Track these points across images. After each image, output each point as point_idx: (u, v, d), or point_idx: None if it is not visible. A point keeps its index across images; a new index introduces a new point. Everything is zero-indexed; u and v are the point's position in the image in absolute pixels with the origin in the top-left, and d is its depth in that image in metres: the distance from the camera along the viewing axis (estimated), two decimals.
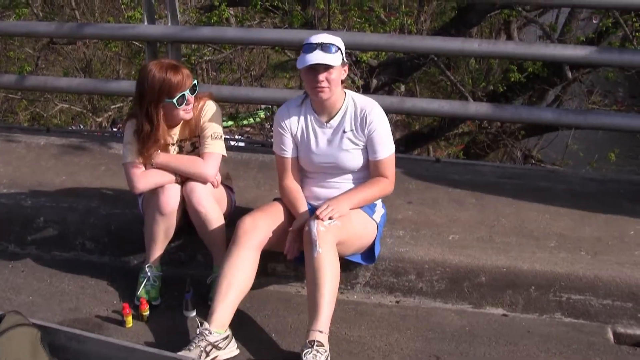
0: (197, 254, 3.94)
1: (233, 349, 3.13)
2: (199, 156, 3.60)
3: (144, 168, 3.57)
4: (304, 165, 3.57)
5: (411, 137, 10.56)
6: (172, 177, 3.56)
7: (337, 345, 3.23)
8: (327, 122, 3.44)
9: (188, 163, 3.57)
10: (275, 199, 3.68)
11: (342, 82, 3.40)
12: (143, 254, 3.70)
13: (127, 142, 3.58)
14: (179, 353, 2.93)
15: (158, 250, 3.65)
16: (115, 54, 13.02)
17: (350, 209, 3.37)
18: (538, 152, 10.75)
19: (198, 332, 3.04)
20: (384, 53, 9.05)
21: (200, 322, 3.09)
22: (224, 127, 3.67)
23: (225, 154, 3.63)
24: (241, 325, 3.29)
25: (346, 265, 3.34)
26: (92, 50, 14.95)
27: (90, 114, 13.85)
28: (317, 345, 2.97)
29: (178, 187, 3.55)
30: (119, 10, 13.04)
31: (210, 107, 3.64)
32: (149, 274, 3.64)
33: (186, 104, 3.50)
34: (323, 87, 3.27)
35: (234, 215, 3.86)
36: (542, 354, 3.24)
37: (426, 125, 10.75)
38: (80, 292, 3.79)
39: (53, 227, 4.18)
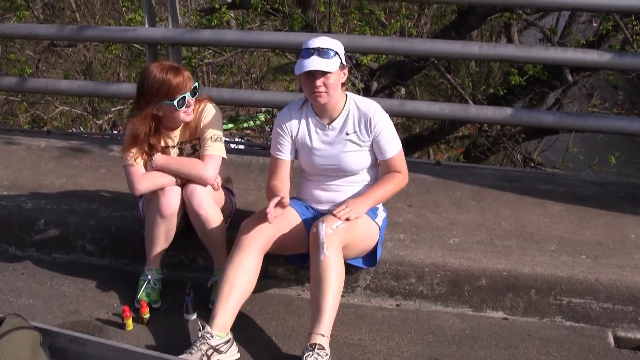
0: (198, 256, 3.94)
1: (234, 352, 3.12)
2: (199, 158, 3.60)
3: (144, 170, 3.57)
4: (305, 167, 3.57)
5: (411, 140, 10.57)
6: (173, 179, 3.56)
7: (338, 349, 3.22)
8: (329, 124, 3.44)
9: (188, 165, 3.57)
10: None
11: (343, 84, 3.40)
12: (143, 256, 3.70)
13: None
14: (180, 356, 2.93)
15: (158, 252, 3.64)
16: (116, 57, 13.04)
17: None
18: (538, 155, 10.76)
19: (200, 335, 3.03)
20: (384, 56, 9.06)
21: (202, 325, 3.08)
22: (224, 130, 3.67)
23: (225, 156, 3.63)
24: (242, 328, 3.28)
25: (347, 268, 3.34)
26: (93, 52, 14.98)
27: (91, 117, 13.87)
28: (318, 349, 2.97)
29: (178, 189, 3.54)
30: (120, 13, 13.06)
31: (210, 110, 3.64)
32: (149, 276, 3.63)
33: (186, 107, 3.50)
34: (320, 92, 3.27)
35: (235, 218, 3.86)
36: (542, 358, 3.24)
37: (426, 128, 10.77)
38: (80, 294, 3.78)
39: (53, 229, 4.18)
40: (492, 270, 3.60)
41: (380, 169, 3.59)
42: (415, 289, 3.68)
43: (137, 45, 9.83)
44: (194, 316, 3.51)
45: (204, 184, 3.54)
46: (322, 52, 3.23)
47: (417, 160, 6.30)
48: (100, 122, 14.10)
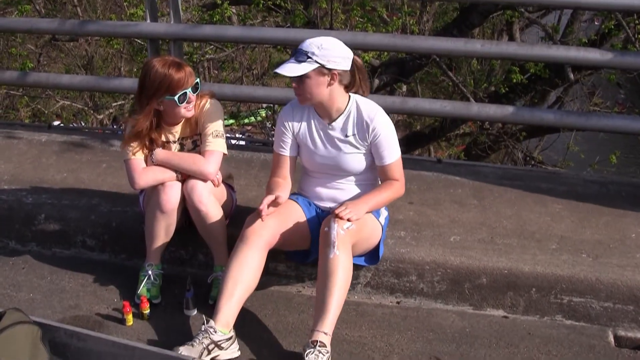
0: (198, 252, 3.93)
1: (235, 350, 3.12)
2: (200, 154, 3.59)
3: (145, 165, 3.57)
4: (306, 165, 3.57)
5: (412, 137, 10.56)
6: (173, 175, 3.55)
7: (338, 346, 3.22)
8: (329, 124, 3.43)
9: (189, 160, 3.56)
10: None
11: (347, 86, 3.38)
12: (144, 252, 3.69)
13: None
14: (181, 348, 2.93)
15: (159, 248, 3.64)
16: (117, 52, 13.01)
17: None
18: (539, 154, 10.76)
19: (203, 329, 3.03)
20: (386, 53, 9.05)
21: (205, 320, 3.07)
22: (226, 126, 3.66)
23: (226, 152, 3.62)
24: (242, 324, 3.27)
25: None
26: (94, 47, 14.96)
27: (92, 111, 13.86)
28: (319, 346, 2.97)
29: (179, 184, 3.54)
30: (121, 8, 13.04)
31: (211, 106, 3.63)
32: (149, 272, 3.63)
33: (187, 102, 3.49)
34: (298, 94, 3.31)
35: (235, 214, 3.86)
36: (542, 356, 3.24)
37: (427, 125, 10.75)
38: (80, 289, 3.78)
39: (54, 224, 4.17)
40: (493, 268, 3.60)
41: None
42: (415, 286, 3.68)
43: (138, 40, 9.82)
44: (194, 312, 3.50)
45: (205, 179, 3.53)
46: (297, 54, 3.23)
47: (418, 158, 6.30)
48: (101, 116, 14.09)
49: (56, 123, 13.43)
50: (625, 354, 3.29)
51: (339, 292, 3.08)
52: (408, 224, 3.98)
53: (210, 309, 3.23)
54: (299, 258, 3.66)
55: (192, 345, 2.97)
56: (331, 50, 3.24)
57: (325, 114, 3.42)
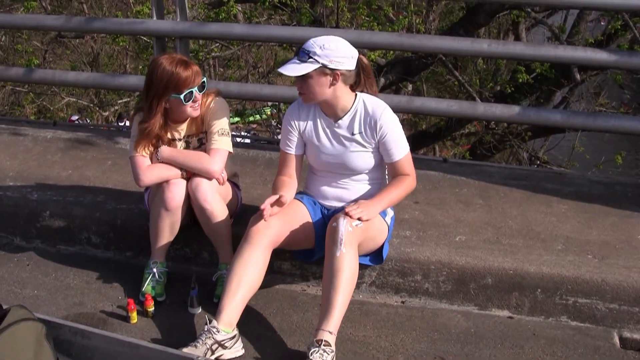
0: (203, 250, 3.93)
1: (238, 348, 3.11)
2: (205, 152, 3.58)
3: (150, 162, 3.56)
4: (312, 163, 3.56)
5: (417, 137, 10.56)
6: (178, 172, 3.55)
7: (342, 345, 3.21)
8: (335, 122, 3.42)
9: (194, 158, 3.55)
10: None
11: (352, 86, 3.37)
12: (148, 249, 3.69)
13: (134, 136, 3.58)
14: (185, 349, 2.92)
15: (163, 246, 3.63)
16: (123, 49, 13.04)
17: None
18: (544, 154, 10.74)
19: (206, 329, 3.02)
20: (391, 52, 9.03)
21: (208, 320, 3.07)
22: (231, 124, 3.66)
23: (231, 150, 3.61)
24: (246, 322, 3.26)
25: None
26: (100, 44, 14.99)
27: (97, 108, 13.88)
28: (324, 345, 2.96)
29: (184, 182, 3.53)
30: (127, 5, 13.06)
31: (217, 104, 3.62)
32: (154, 269, 3.62)
33: (193, 101, 3.49)
34: (301, 93, 3.30)
35: (240, 212, 3.85)
36: (547, 357, 3.22)
37: (433, 124, 10.75)
38: (85, 286, 3.78)
39: (59, 221, 4.17)
40: (498, 268, 3.59)
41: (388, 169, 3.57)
42: (420, 286, 3.67)
43: (144, 38, 9.82)
44: (199, 310, 3.50)
45: (210, 177, 3.52)
46: (300, 54, 3.22)
47: (424, 157, 6.29)
48: (107, 113, 14.12)
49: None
50: (631, 356, 3.28)
51: (344, 290, 3.07)
52: (413, 224, 3.97)
53: (214, 307, 3.22)
54: (303, 257, 3.65)
55: (196, 346, 2.96)
56: (334, 50, 3.21)
57: (330, 112, 3.41)
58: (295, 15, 8.79)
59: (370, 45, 5.82)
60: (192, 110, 3.51)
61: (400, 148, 3.41)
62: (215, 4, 9.72)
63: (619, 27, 8.16)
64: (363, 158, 3.43)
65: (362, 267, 3.56)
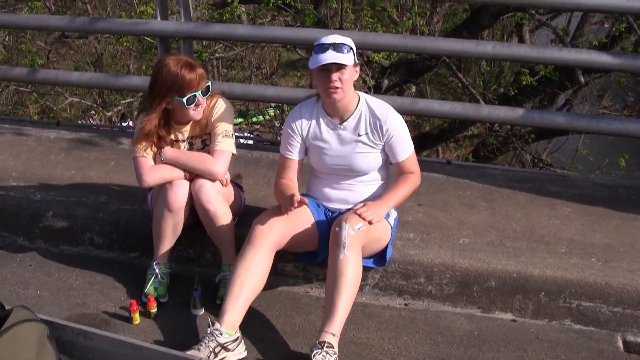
0: (206, 251, 3.92)
1: (241, 350, 3.10)
2: (209, 153, 3.58)
3: (153, 163, 3.55)
4: (316, 166, 3.56)
5: (421, 138, 10.54)
6: (181, 173, 3.54)
7: (345, 347, 3.20)
8: (340, 124, 3.41)
9: (198, 160, 3.55)
10: None
11: (353, 84, 3.38)
12: (151, 250, 3.69)
13: (134, 135, 3.58)
14: (188, 352, 2.91)
15: (166, 247, 3.63)
16: (127, 49, 13.03)
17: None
18: (547, 156, 10.72)
19: (208, 332, 3.02)
20: (395, 53, 9.02)
21: (211, 322, 3.06)
22: (234, 124, 3.65)
23: (235, 152, 3.61)
24: (249, 324, 3.26)
25: None
26: (103, 44, 15.00)
27: (100, 109, 13.88)
28: (327, 347, 2.96)
29: (187, 183, 3.53)
30: (131, 5, 13.07)
31: (221, 105, 3.62)
32: (157, 270, 3.62)
33: (196, 105, 3.48)
34: (336, 88, 3.24)
35: (244, 214, 3.85)
36: None
37: (436, 126, 10.73)
38: (87, 287, 3.78)
39: (62, 221, 4.17)
40: (502, 271, 3.58)
41: (392, 168, 3.57)
42: (424, 288, 3.66)
43: (147, 38, 9.82)
44: (202, 311, 3.49)
45: (213, 179, 3.52)
46: (337, 47, 3.21)
47: (428, 159, 6.28)
48: (110, 114, 14.12)
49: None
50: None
51: (348, 293, 3.07)
52: (417, 226, 3.96)
53: (217, 308, 3.22)
54: (307, 258, 3.64)
55: (199, 349, 2.96)
56: (353, 45, 3.32)
57: (336, 113, 3.41)
58: (299, 16, 8.78)
59: (374, 46, 5.82)
60: (195, 113, 3.51)
61: (406, 148, 3.44)
62: (219, 5, 9.71)
63: (623, 29, 8.14)
64: (369, 159, 3.43)
65: (365, 269, 3.55)
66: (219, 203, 3.51)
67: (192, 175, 3.55)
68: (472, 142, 11.90)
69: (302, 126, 3.49)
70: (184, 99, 3.41)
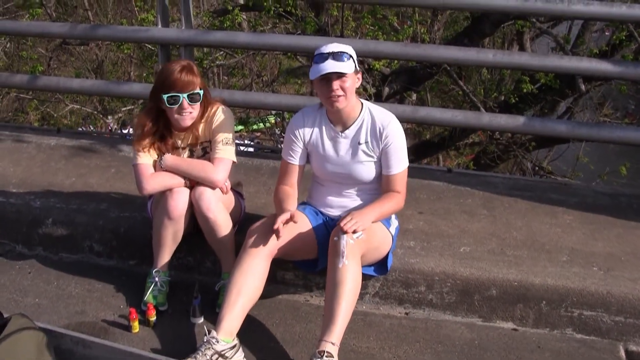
0: (206, 259, 3.91)
1: (240, 358, 3.09)
2: (209, 161, 3.56)
3: (153, 170, 3.54)
4: (317, 173, 3.55)
5: (421, 146, 10.53)
6: (182, 181, 3.53)
7: (345, 356, 3.19)
8: (342, 132, 3.41)
9: (198, 167, 3.54)
10: None
11: (355, 91, 3.37)
12: (151, 258, 3.67)
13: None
14: None
15: (166, 254, 3.62)
16: (127, 56, 13.04)
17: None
18: (548, 164, 10.71)
19: (205, 340, 3.00)
20: (396, 61, 9.02)
21: (208, 330, 3.05)
22: (235, 132, 3.63)
23: (235, 160, 3.60)
24: (248, 333, 3.25)
25: None
26: (104, 51, 15.00)
27: (101, 115, 13.88)
28: (327, 356, 2.94)
29: (187, 191, 3.52)
30: (132, 12, 13.08)
31: (222, 113, 3.61)
32: (156, 278, 3.61)
33: (181, 108, 3.46)
34: (338, 96, 3.24)
35: (244, 221, 3.83)
36: None
37: (437, 134, 10.72)
38: (87, 295, 3.76)
39: (61, 228, 4.16)
40: (503, 280, 3.56)
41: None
42: (424, 297, 3.64)
43: (149, 45, 9.83)
44: (201, 320, 3.48)
45: (213, 186, 3.51)
46: (336, 56, 3.20)
47: (429, 167, 6.28)
48: (110, 121, 14.11)
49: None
50: None
51: (347, 302, 3.06)
52: (417, 234, 3.95)
53: (217, 316, 3.20)
54: (307, 267, 3.63)
55: (195, 357, 2.95)
56: (354, 53, 3.31)
57: (339, 121, 3.40)
58: (300, 24, 8.78)
59: (375, 54, 5.81)
60: (180, 118, 3.48)
61: (399, 162, 3.41)
62: (220, 12, 9.71)
63: (624, 37, 8.13)
64: (368, 168, 3.42)
65: (365, 277, 3.55)
66: (219, 211, 3.50)
67: (193, 182, 3.54)
68: (473, 150, 11.88)
69: (304, 132, 3.48)
70: (165, 97, 3.40)
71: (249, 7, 9.18)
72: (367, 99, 3.57)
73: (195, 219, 3.57)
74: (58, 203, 4.30)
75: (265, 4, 8.24)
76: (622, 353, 3.36)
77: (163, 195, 3.52)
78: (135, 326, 3.41)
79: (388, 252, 3.49)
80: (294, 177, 3.55)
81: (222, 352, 2.99)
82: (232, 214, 3.65)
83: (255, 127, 13.58)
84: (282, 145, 3.63)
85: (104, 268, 4.05)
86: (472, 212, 4.27)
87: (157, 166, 3.55)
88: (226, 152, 3.55)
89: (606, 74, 4.86)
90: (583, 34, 9.80)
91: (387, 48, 5.19)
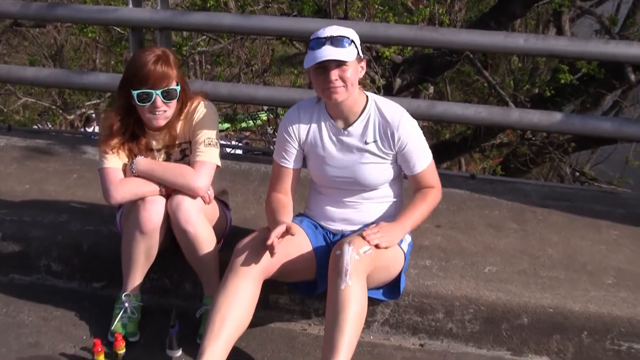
0: (185, 281, 3.93)
1: None
2: (189, 165, 3.57)
3: (123, 175, 3.55)
4: (316, 178, 3.56)
5: (440, 148, 10.56)
6: (156, 188, 3.53)
7: None
8: (345, 129, 3.41)
9: (176, 172, 3.54)
10: None
11: (360, 83, 3.38)
12: (119, 280, 3.68)
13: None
14: None
15: (138, 275, 3.62)
16: (92, 41, 13.07)
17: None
18: (591, 169, 10.74)
19: None
20: (409, 48, 9.04)
21: None
22: (220, 131, 3.64)
23: (219, 164, 3.60)
24: None
25: None
26: (65, 35, 15.02)
27: (60, 111, 13.89)
28: None
29: (163, 200, 3.52)
30: None
31: (204, 109, 3.61)
32: (126, 304, 3.61)
33: (153, 106, 3.46)
34: (337, 87, 3.23)
35: (230, 236, 3.84)
36: None
37: (458, 133, 10.76)
38: (42, 324, 3.77)
39: (13, 245, 4.17)
40: (536, 306, 3.58)
41: (406, 182, 3.56)
42: (442, 326, 3.66)
43: (118, 29, 9.85)
44: (179, 353, 3.48)
45: (194, 195, 3.51)
46: (335, 41, 3.20)
47: (448, 173, 6.30)
48: (72, 117, 14.12)
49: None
50: None
51: (351, 330, 3.06)
52: (435, 251, 3.97)
53: (198, 348, 3.21)
54: (304, 290, 3.64)
55: None
56: (357, 37, 3.30)
57: (341, 115, 3.41)
58: (295, 4, 8.82)
59: (384, 39, 5.83)
60: (152, 117, 3.48)
61: (423, 158, 3.42)
62: None
63: None
64: (377, 171, 3.42)
65: (373, 302, 3.56)
66: (200, 224, 3.50)
67: (169, 190, 3.55)
68: (501, 152, 11.92)
69: (300, 130, 3.49)
70: (135, 93, 3.41)
71: None
72: (375, 93, 3.57)
73: (172, 233, 3.58)
74: (8, 215, 4.31)
75: None
76: None
77: (134, 205, 3.52)
78: None
79: (400, 273, 3.50)
80: (287, 183, 3.55)
81: None
82: (216, 228, 3.66)
83: (243, 125, 13.61)
84: (275, 147, 3.63)
85: (63, 291, 4.05)
86: (499, 225, 4.29)
87: (128, 171, 3.56)
88: (209, 154, 3.55)
89: None
90: (634, 14, 9.82)
91: (399, 32, 5.22)
